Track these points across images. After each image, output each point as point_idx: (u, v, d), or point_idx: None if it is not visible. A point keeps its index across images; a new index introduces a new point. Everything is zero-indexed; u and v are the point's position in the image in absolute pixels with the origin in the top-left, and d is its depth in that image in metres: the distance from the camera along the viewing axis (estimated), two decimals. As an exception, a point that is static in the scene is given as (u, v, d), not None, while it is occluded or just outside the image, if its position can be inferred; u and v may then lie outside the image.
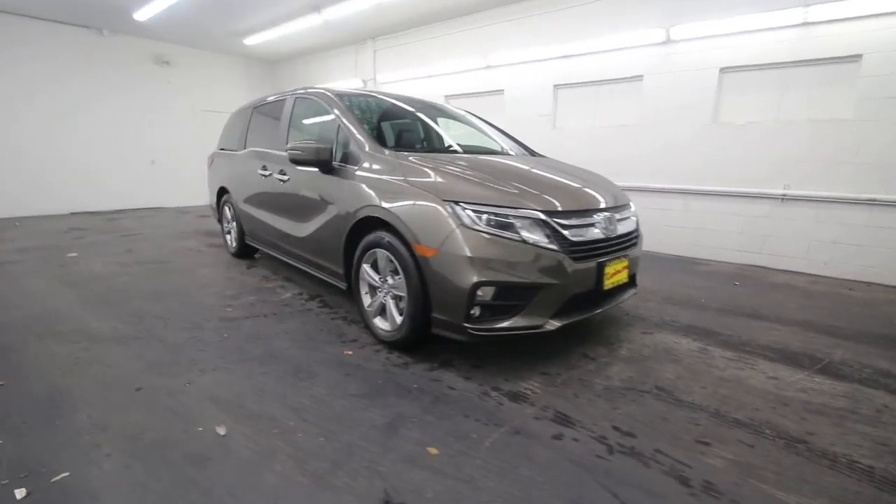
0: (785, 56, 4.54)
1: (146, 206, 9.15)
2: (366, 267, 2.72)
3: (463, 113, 4.03)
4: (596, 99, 5.97)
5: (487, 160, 2.92)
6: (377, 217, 2.54)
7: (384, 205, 2.46)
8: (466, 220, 2.19)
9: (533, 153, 3.72)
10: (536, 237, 2.22)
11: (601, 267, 2.38)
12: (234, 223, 4.65)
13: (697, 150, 5.19)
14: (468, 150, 3.35)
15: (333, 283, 3.15)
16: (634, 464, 1.70)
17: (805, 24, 4.37)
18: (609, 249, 2.49)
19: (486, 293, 2.17)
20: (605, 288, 2.43)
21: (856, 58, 4.21)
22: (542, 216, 2.25)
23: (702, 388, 2.30)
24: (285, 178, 3.45)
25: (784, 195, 4.68)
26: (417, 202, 2.33)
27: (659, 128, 5.42)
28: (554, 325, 2.28)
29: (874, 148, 4.18)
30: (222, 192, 4.90)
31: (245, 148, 4.35)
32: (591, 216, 2.44)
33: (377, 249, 2.58)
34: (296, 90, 3.71)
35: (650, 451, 1.77)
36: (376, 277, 2.67)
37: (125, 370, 2.33)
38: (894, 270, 4.20)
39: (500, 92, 6.82)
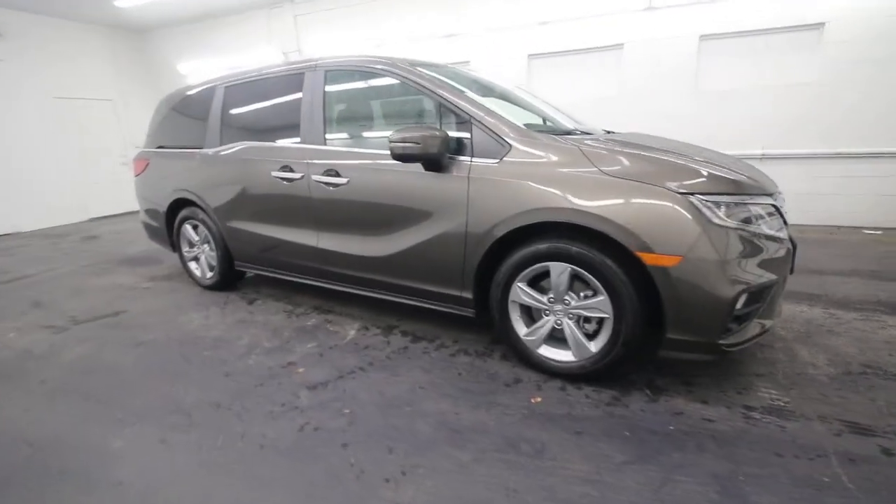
0: (758, 24, 4.85)
1: (-13, 234, 6.63)
2: (520, 286, 2.13)
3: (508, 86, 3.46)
4: (573, 70, 5.81)
5: (627, 136, 2.48)
6: (550, 222, 1.97)
7: (579, 204, 1.88)
8: (711, 216, 1.76)
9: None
10: (774, 226, 1.91)
11: (794, 250, 2.18)
12: (213, 245, 3.46)
13: (681, 117, 5.37)
14: (549, 130, 2.83)
15: (440, 308, 2.48)
16: None
17: (778, -8, 4.69)
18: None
19: (741, 301, 1.80)
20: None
21: (819, 25, 4.67)
22: (772, 201, 1.94)
23: (889, 355, 2.28)
24: (339, 180, 2.57)
25: (763, 154, 5.11)
26: (639, 198, 1.82)
27: (640, 98, 5.48)
28: (771, 322, 2.03)
29: (839, 108, 4.73)
30: (179, 205, 3.61)
31: (226, 144, 3.20)
32: (781, 197, 2.21)
33: (551, 263, 2.01)
34: (317, 61, 2.76)
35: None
36: (542, 298, 2.11)
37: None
38: (863, 213, 4.89)
39: (465, 63, 6.26)
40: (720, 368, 2.21)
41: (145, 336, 2.87)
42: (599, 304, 1.96)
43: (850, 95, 4.66)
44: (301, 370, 2.36)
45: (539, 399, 2.01)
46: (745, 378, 2.12)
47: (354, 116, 2.81)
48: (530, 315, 2.23)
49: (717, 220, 1.76)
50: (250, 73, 3.17)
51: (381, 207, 2.47)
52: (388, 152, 2.21)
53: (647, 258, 1.79)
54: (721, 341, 1.81)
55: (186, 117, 3.61)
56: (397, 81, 2.46)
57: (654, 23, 5.23)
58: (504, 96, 2.88)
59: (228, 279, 3.59)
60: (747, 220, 1.83)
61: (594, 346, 2.03)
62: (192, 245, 3.71)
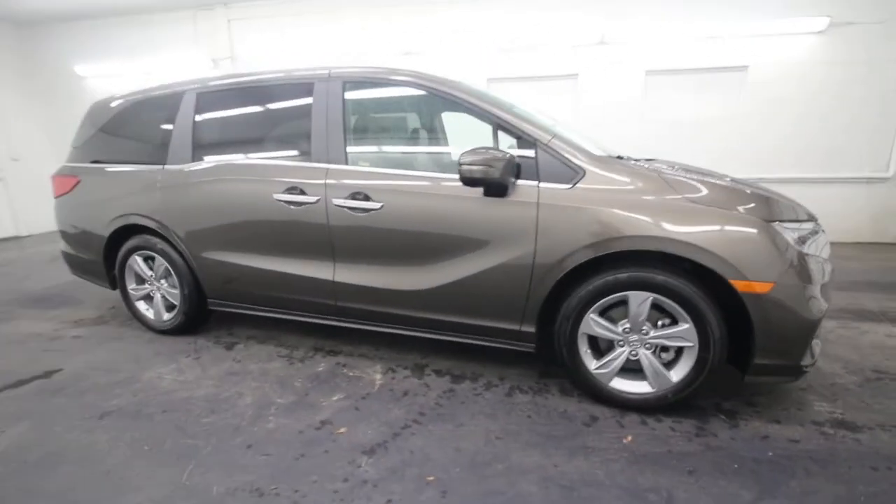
0: (694, 64, 5.44)
1: None
2: (593, 318, 2.02)
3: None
4: (531, 93, 5.99)
5: (669, 163, 2.52)
6: (627, 251, 1.90)
7: (673, 233, 1.83)
8: (795, 243, 1.83)
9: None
10: (826, 251, 2.03)
11: None
12: (176, 280, 2.84)
13: (630, 143, 5.77)
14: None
15: (488, 344, 2.27)
16: None
17: (711, 37, 5.31)
18: None
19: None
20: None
21: (744, 67, 5.37)
22: (817, 226, 2.07)
23: (886, 360, 2.57)
24: (370, 205, 2.25)
25: (701, 179, 5.68)
26: (729, 227, 1.81)
27: (593, 123, 5.82)
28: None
29: (763, 139, 5.45)
30: (125, 233, 2.93)
31: (200, 160, 2.67)
32: None
33: (631, 292, 1.93)
34: (329, 70, 2.43)
35: None
36: (616, 328, 2.01)
37: None
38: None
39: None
40: (764, 386, 2.29)
41: (107, 403, 2.22)
42: (684, 333, 1.91)
43: (772, 129, 5.40)
44: (342, 430, 1.98)
45: (630, 438, 1.89)
46: (793, 393, 2.22)
47: (384, 134, 2.52)
48: (595, 347, 2.12)
49: (799, 247, 1.82)
50: (231, 78, 2.70)
51: (424, 236, 2.21)
52: (430, 174, 2.02)
53: (740, 286, 1.79)
54: (802, 363, 1.87)
55: (136, 127, 2.98)
56: (440, 98, 2.25)
57: (606, 56, 5.61)
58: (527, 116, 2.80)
59: (194, 321, 2.98)
60: (809, 244, 1.93)
61: (675, 376, 1.98)
62: (141, 281, 3.03)
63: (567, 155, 2.02)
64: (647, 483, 1.65)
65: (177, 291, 2.90)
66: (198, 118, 2.72)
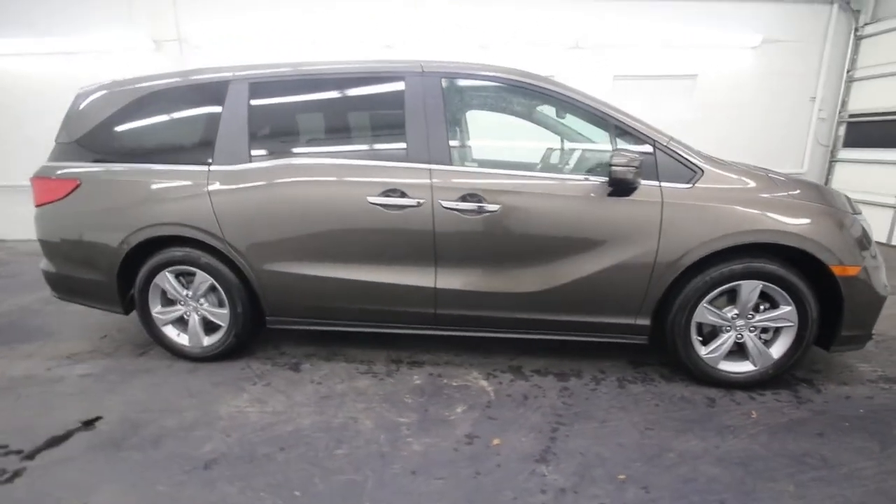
0: (654, 71, 6.01)
1: None
2: (706, 306, 2.20)
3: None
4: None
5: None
6: (740, 245, 2.10)
7: (789, 226, 2.06)
8: (870, 232, 2.17)
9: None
10: None
11: None
12: (227, 298, 2.46)
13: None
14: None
15: (602, 340, 2.36)
16: None
17: (669, 47, 5.90)
18: None
19: (882, 297, 2.26)
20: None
21: (694, 76, 6.06)
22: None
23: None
24: (487, 207, 2.17)
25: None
26: (828, 220, 2.10)
27: (567, 122, 6.16)
28: None
29: (710, 141, 6.20)
30: (149, 246, 2.46)
31: (260, 159, 2.35)
32: None
33: (743, 282, 2.14)
34: (422, 63, 2.29)
35: None
36: (725, 315, 2.22)
37: None
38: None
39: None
40: (811, 355, 2.68)
41: (200, 450, 1.88)
42: (787, 315, 2.17)
43: (714, 130, 6.16)
44: (496, 442, 1.92)
45: (755, 413, 2.11)
46: (834, 359, 2.62)
47: (488, 133, 2.44)
48: (700, 334, 2.31)
49: (872, 235, 2.17)
50: (293, 68, 2.40)
51: (543, 237, 2.21)
52: (551, 175, 2.14)
53: (837, 270, 2.09)
54: (872, 332, 2.24)
55: (160, 121, 2.51)
56: (551, 99, 2.27)
57: (579, 60, 5.95)
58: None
59: (243, 342, 2.62)
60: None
61: (776, 353, 2.23)
62: (169, 302, 2.58)
63: (686, 156, 2.16)
64: (798, 449, 1.86)
65: (223, 311, 2.52)
66: (254, 111, 2.38)
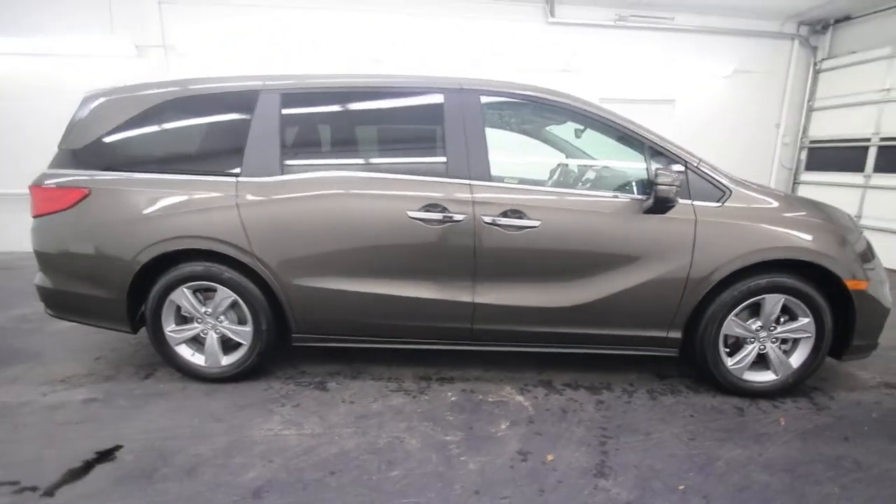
0: (637, 96, 6.33)
1: None
2: (733, 319, 2.31)
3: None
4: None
5: None
6: (767, 261, 2.23)
7: (810, 243, 2.20)
8: (874, 248, 2.36)
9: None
10: None
11: None
12: (252, 315, 2.34)
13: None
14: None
15: (634, 353, 2.42)
16: None
17: (650, 74, 6.25)
18: None
19: (885, 308, 2.44)
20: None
21: (672, 101, 6.43)
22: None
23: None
24: (527, 223, 2.20)
25: (641, 192, 6.62)
26: (836, 236, 2.26)
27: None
28: None
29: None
30: (164, 261, 2.32)
31: (292, 171, 2.28)
32: None
33: (767, 295, 2.26)
34: (460, 81, 2.32)
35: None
36: (750, 327, 2.33)
37: None
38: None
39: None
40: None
41: (243, 477, 1.75)
42: (805, 326, 2.31)
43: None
44: (550, 457, 1.91)
45: (783, 421, 2.21)
46: (837, 369, 2.80)
47: (524, 150, 2.47)
48: (726, 345, 2.41)
49: (875, 251, 2.36)
50: (325, 80, 2.37)
51: (581, 253, 2.26)
52: (591, 192, 2.22)
53: (851, 284, 2.25)
54: (877, 341, 2.41)
55: (181, 129, 2.40)
56: (590, 120, 2.36)
57: (570, 83, 6.15)
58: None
59: (264, 361, 2.49)
60: (871, 249, 2.51)
61: (795, 363, 2.36)
62: (184, 320, 2.43)
63: (716, 176, 2.29)
64: (832, 453, 1.97)
65: (245, 328, 2.39)
66: (287, 122, 2.31)
